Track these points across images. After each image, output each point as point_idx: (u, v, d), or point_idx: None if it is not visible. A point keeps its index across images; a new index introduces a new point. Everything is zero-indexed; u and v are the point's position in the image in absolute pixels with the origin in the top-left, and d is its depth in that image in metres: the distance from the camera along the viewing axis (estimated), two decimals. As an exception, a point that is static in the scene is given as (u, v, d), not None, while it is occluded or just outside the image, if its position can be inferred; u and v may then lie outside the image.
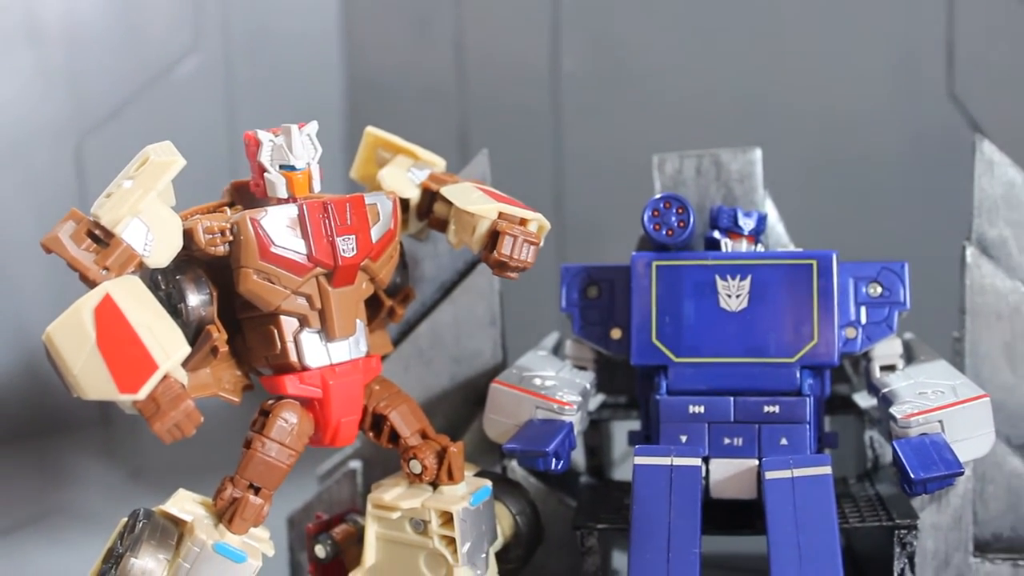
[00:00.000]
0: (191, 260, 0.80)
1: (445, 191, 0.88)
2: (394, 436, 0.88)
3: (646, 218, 0.90)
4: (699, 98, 1.62)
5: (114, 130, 1.68)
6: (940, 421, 0.81)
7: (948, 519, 0.92)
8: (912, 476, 0.77)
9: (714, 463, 0.85)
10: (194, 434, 0.76)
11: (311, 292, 0.82)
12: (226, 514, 0.81)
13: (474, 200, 0.86)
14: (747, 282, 0.89)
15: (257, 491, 0.81)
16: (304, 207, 0.81)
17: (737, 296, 0.89)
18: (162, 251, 0.77)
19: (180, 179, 0.79)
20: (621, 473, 1.10)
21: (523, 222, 0.86)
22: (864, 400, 0.99)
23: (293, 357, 0.82)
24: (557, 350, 1.02)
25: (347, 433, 0.86)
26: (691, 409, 0.86)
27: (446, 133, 1.77)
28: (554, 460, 0.84)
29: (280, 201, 0.82)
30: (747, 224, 0.91)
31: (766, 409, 0.86)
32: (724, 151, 0.98)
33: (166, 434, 0.75)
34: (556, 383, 0.90)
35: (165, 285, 0.80)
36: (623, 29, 1.67)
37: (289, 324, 0.82)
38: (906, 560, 0.85)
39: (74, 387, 0.73)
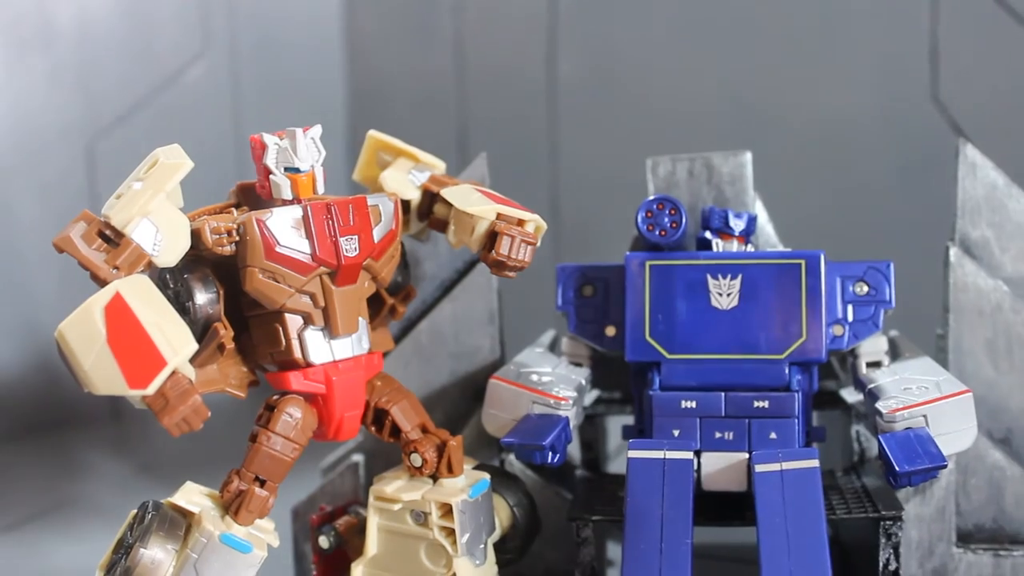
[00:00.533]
0: (199, 260, 0.80)
1: (445, 193, 0.88)
2: (395, 430, 0.88)
3: (640, 219, 0.90)
4: (691, 103, 1.61)
5: (124, 133, 1.69)
6: (924, 416, 0.81)
7: (932, 510, 0.92)
8: (897, 469, 0.77)
9: (705, 456, 0.85)
10: (201, 428, 0.76)
11: (315, 291, 0.82)
12: (232, 506, 0.81)
13: (473, 201, 0.86)
14: (738, 281, 0.89)
15: (262, 484, 0.81)
16: (308, 208, 0.81)
17: (728, 295, 0.89)
18: (171, 251, 0.77)
19: (188, 181, 0.79)
20: (615, 466, 1.10)
21: (520, 223, 0.86)
22: (851, 395, 0.99)
23: (297, 354, 0.82)
24: (553, 347, 1.01)
25: (350, 427, 0.86)
26: (683, 404, 0.86)
27: (445, 137, 1.77)
28: (550, 453, 0.84)
29: (285, 202, 0.82)
30: (738, 225, 0.91)
31: (756, 404, 0.85)
32: (715, 154, 0.98)
33: (174, 428, 0.75)
34: (552, 379, 0.90)
35: (173, 284, 0.80)
36: (618, 37, 1.67)
37: (293, 322, 0.82)
38: (891, 550, 0.85)
39: (85, 383, 0.73)
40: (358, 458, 1.05)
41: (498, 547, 0.90)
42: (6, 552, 1.24)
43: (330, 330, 0.83)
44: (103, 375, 0.72)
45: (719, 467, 0.85)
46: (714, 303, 0.89)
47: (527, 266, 0.85)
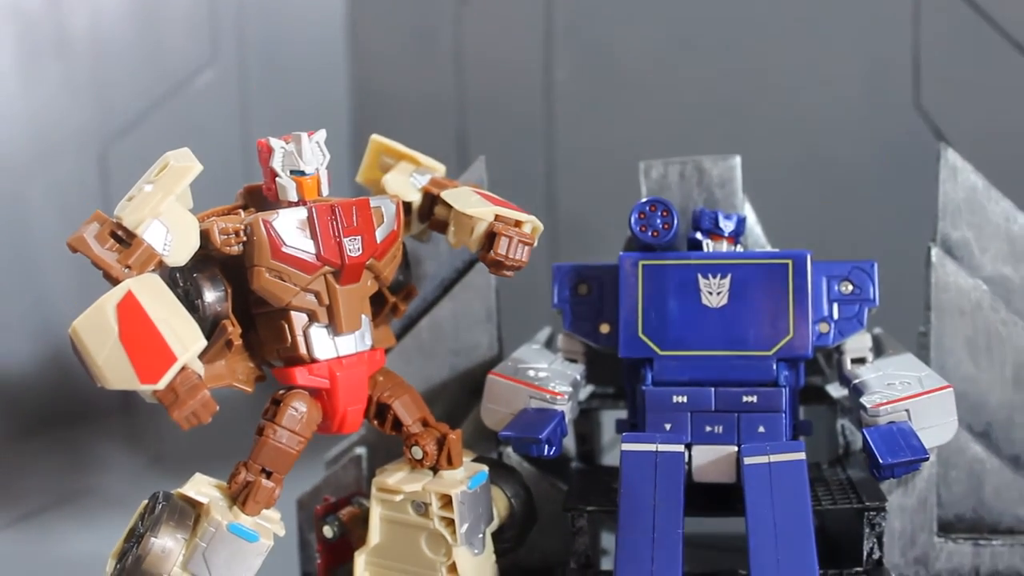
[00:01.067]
0: (207, 259, 0.80)
1: (445, 195, 0.88)
2: (397, 424, 0.88)
3: (633, 220, 0.90)
4: (683, 108, 1.61)
5: (136, 137, 1.68)
6: (907, 410, 0.81)
7: (914, 501, 0.92)
8: (881, 461, 0.77)
9: (696, 449, 0.84)
10: (210, 422, 0.76)
11: (320, 289, 0.82)
12: (240, 497, 0.80)
13: (472, 203, 0.86)
14: (727, 280, 0.89)
15: (269, 475, 0.81)
16: (313, 210, 0.80)
17: (718, 293, 0.89)
18: (180, 251, 0.77)
19: (197, 183, 0.79)
20: (609, 459, 1.10)
21: (518, 224, 0.86)
22: (836, 391, 0.99)
23: (303, 350, 0.82)
24: (550, 343, 1.01)
25: (353, 421, 0.86)
26: (675, 399, 0.86)
27: (446, 140, 1.77)
28: (546, 446, 0.84)
29: (291, 204, 0.82)
30: (727, 226, 0.91)
31: (745, 399, 0.85)
32: (706, 158, 0.98)
33: (184, 422, 0.75)
34: (548, 374, 0.90)
35: (183, 283, 0.80)
36: (612, 43, 1.67)
37: (299, 319, 0.82)
38: (875, 540, 0.85)
39: (98, 378, 0.73)
40: (361, 451, 1.05)
41: (496, 537, 0.90)
42: (22, 540, 1.24)
43: (334, 327, 0.83)
44: (115, 370, 0.72)
45: (709, 460, 0.84)
46: (704, 301, 0.89)
47: (524, 266, 0.85)
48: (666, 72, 1.63)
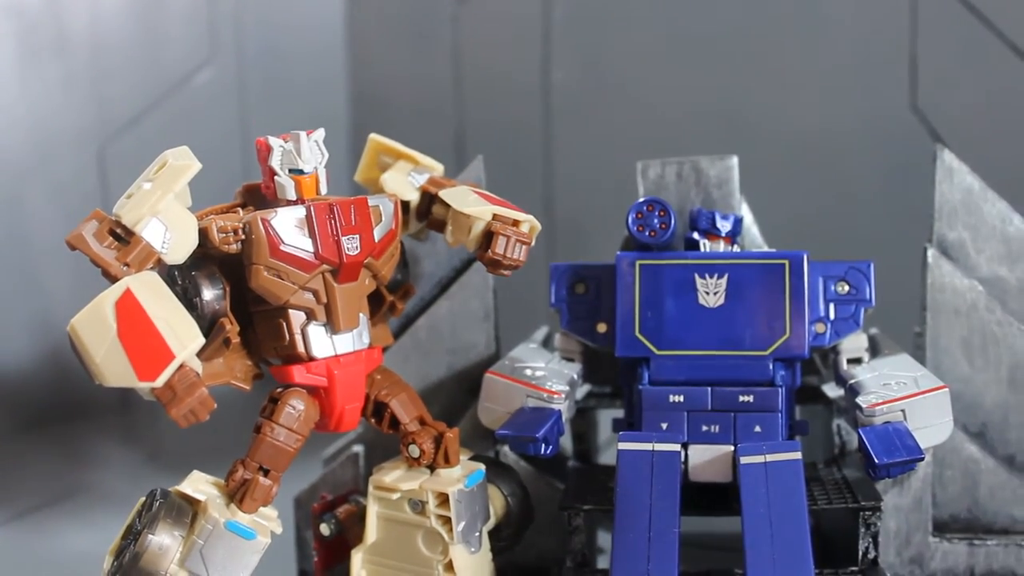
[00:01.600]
0: (206, 257, 0.80)
1: (443, 194, 0.88)
2: (394, 422, 0.88)
3: (630, 220, 0.90)
4: (680, 108, 1.62)
5: (135, 136, 1.68)
6: (903, 410, 0.81)
7: (909, 501, 0.92)
8: (876, 461, 0.77)
9: (692, 449, 0.84)
10: (208, 419, 0.75)
11: (318, 288, 0.82)
12: (237, 494, 0.80)
13: (470, 203, 0.86)
14: (724, 280, 0.89)
15: (266, 473, 0.81)
16: (311, 208, 0.80)
17: (715, 293, 0.89)
18: (179, 249, 0.77)
19: (196, 181, 0.79)
20: (606, 458, 1.10)
21: (515, 223, 0.86)
22: (832, 391, 0.99)
23: (300, 348, 0.82)
24: (547, 343, 1.01)
25: (350, 419, 0.86)
26: (671, 398, 0.86)
27: (443, 141, 1.77)
28: (543, 445, 0.84)
29: (289, 203, 0.82)
30: (724, 226, 0.91)
31: (741, 399, 0.85)
32: (703, 158, 0.98)
33: (182, 419, 0.74)
34: (545, 373, 0.90)
35: (182, 280, 0.80)
36: (609, 45, 1.67)
37: (297, 317, 0.82)
38: (870, 539, 0.85)
39: (96, 375, 0.73)
40: (358, 449, 1.05)
41: (492, 535, 0.90)
42: (21, 537, 1.24)
43: (332, 326, 0.83)
44: (113, 368, 0.72)
45: (705, 459, 0.84)
46: (701, 301, 0.89)
47: (522, 265, 0.85)
48: (664, 73, 1.63)
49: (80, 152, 1.65)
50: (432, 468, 0.88)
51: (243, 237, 0.79)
